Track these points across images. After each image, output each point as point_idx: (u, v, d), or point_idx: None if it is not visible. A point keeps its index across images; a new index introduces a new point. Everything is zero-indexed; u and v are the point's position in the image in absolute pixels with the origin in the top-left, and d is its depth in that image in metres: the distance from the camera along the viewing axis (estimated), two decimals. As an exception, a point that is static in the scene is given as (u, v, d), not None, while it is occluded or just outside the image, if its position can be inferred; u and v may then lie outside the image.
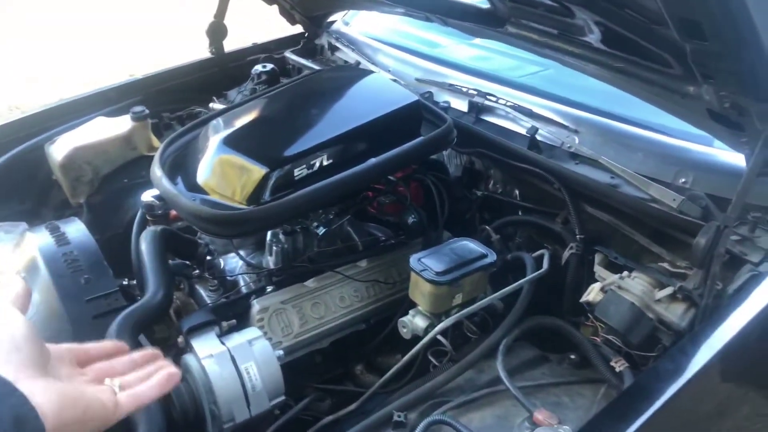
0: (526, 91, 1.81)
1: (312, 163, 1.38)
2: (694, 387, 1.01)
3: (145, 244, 1.36)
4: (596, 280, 1.37)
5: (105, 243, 1.63)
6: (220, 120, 1.54)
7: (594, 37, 1.28)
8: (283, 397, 1.23)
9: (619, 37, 1.19)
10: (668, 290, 1.25)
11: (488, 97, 1.77)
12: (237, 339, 1.23)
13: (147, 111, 1.92)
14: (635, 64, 1.27)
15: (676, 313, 1.23)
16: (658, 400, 0.95)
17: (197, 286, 1.52)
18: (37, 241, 1.35)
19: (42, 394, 0.55)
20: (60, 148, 1.86)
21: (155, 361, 0.75)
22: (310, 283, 1.47)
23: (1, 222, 1.54)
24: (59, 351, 0.66)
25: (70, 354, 0.67)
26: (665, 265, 1.33)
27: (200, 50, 2.42)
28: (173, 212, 1.55)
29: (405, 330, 1.35)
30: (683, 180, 1.38)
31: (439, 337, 1.29)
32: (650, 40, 1.13)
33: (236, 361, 1.18)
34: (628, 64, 1.30)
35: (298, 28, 2.52)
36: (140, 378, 0.71)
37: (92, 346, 0.71)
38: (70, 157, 1.84)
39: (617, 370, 1.20)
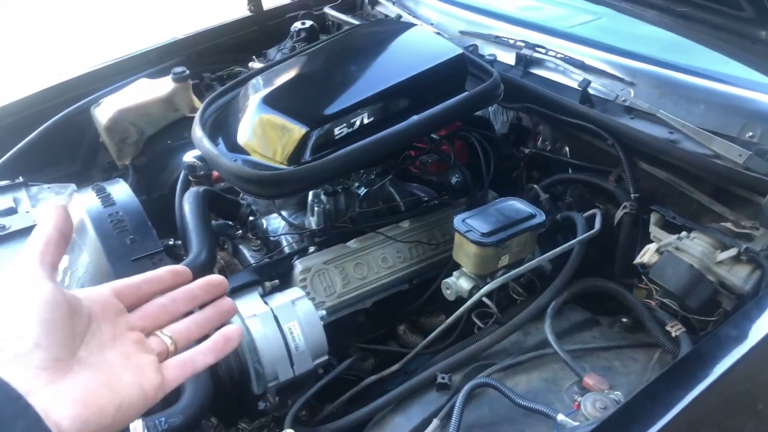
0: (578, 41, 1.71)
1: (352, 121, 1.34)
2: (759, 354, 0.95)
3: (187, 205, 1.37)
4: (651, 241, 1.31)
5: (151, 203, 1.66)
6: (259, 79, 1.51)
7: (656, -21, 1.18)
8: (326, 357, 1.23)
9: (685, -23, 1.09)
10: (732, 251, 1.17)
11: (537, 48, 1.68)
12: (280, 299, 1.23)
13: (188, 72, 1.92)
14: (700, 8, 1.17)
15: (739, 276, 1.16)
16: (720, 367, 0.90)
17: (241, 246, 1.53)
18: (85, 202, 1.37)
19: (62, 406, 0.45)
20: (105, 111, 1.88)
21: (218, 297, 0.62)
22: (353, 243, 1.45)
23: (51, 184, 1.57)
24: (103, 301, 0.54)
25: (115, 301, 0.55)
26: (728, 225, 1.25)
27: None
28: (215, 173, 1.55)
29: (449, 291, 1.32)
30: (750, 134, 1.28)
31: (485, 299, 1.26)
32: (720, -22, 1.03)
33: (279, 320, 1.18)
34: (692, 8, 1.19)
35: (338, -17, 2.45)
36: (197, 327, 0.60)
37: (145, 280, 0.59)
38: (115, 119, 1.86)
39: (673, 334, 1.15)
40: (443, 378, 1.14)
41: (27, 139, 1.85)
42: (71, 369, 0.48)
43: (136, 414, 0.51)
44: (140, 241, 1.28)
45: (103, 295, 0.55)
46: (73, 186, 1.53)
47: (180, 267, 0.62)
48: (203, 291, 0.61)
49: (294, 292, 1.26)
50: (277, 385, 1.18)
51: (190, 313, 0.61)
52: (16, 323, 0.46)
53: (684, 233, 1.25)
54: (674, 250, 1.23)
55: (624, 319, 1.27)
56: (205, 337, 0.60)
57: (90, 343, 0.51)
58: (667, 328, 1.16)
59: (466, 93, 1.44)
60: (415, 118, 1.37)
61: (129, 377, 0.51)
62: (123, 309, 0.56)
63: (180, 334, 0.58)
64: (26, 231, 1.37)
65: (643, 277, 1.27)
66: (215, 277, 0.62)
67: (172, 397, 1.07)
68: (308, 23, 2.22)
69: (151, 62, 2.16)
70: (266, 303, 1.22)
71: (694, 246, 1.21)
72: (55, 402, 0.45)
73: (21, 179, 1.55)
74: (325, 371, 1.27)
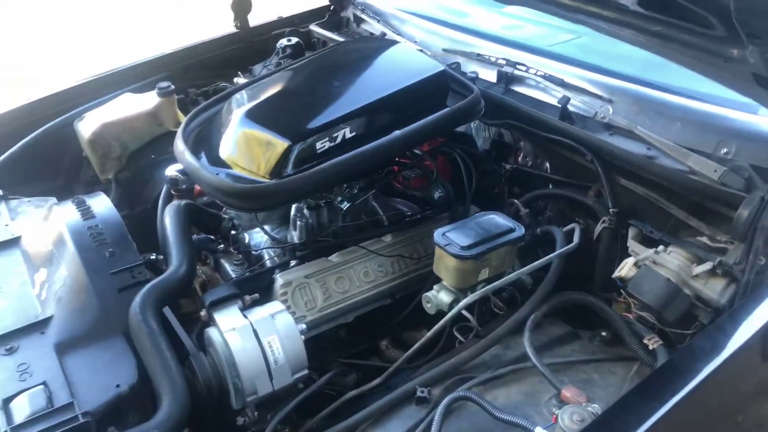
0: (558, 59, 1.74)
1: (334, 135, 1.35)
2: (733, 366, 0.96)
3: (168, 219, 1.36)
4: (629, 255, 1.32)
5: (134, 218, 1.65)
6: (243, 94, 1.53)
7: (630, -1, 1.21)
8: (306, 371, 1.22)
9: (658, -4, 1.12)
10: (707, 265, 1.19)
11: (518, 66, 1.71)
12: (259, 313, 1.23)
13: (173, 87, 1.92)
14: (674, 27, 1.20)
15: (715, 290, 1.17)
16: (694, 379, 0.91)
17: (222, 261, 1.52)
18: (64, 215, 1.37)
19: None
20: (88, 125, 1.88)
21: None
22: (335, 257, 1.45)
23: (32, 197, 1.56)
24: None
25: None
26: (704, 239, 1.27)
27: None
28: (198, 187, 1.55)
29: (429, 305, 1.33)
30: (725, 150, 1.30)
31: (464, 312, 1.26)
32: (691, -1, 1.06)
33: (258, 334, 1.17)
34: (666, 27, 1.23)
35: (324, 1, 2.48)
36: None
37: None
38: (98, 133, 1.86)
39: (651, 347, 1.16)
40: (422, 392, 1.13)
41: (8, 152, 1.83)
42: None
43: None
44: (120, 253, 1.28)
45: None
46: (53, 199, 1.52)
47: None
48: None
49: (274, 306, 1.25)
50: (256, 399, 1.17)
51: None
52: None
53: (661, 247, 1.27)
54: (651, 264, 1.24)
55: (603, 333, 1.28)
56: None
57: None
58: (645, 341, 1.17)
59: (448, 109, 1.46)
60: (397, 133, 1.38)
61: None
62: None
63: None
64: (4, 244, 1.36)
65: (621, 290, 1.29)
66: None
67: (150, 410, 1.06)
68: (294, 40, 2.24)
69: (137, 77, 2.17)
70: (245, 317, 1.21)
71: (671, 260, 1.23)
72: None
73: (0, 192, 1.54)
74: (306, 386, 1.26)
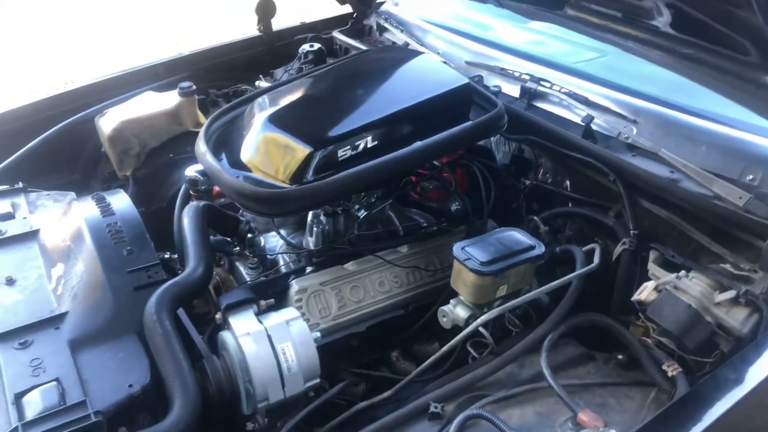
0: (582, 77, 1.72)
1: (356, 144, 1.34)
2: (757, 398, 0.94)
3: (186, 219, 1.36)
4: (649, 279, 1.30)
5: (149, 216, 1.65)
6: (265, 98, 1.52)
7: (663, 21, 1.21)
8: (318, 380, 1.21)
9: (692, 20, 1.11)
10: (730, 293, 1.17)
11: (542, 82, 1.70)
12: (275, 318, 1.22)
13: (194, 87, 1.93)
14: (707, 51, 1.19)
15: (737, 319, 1.15)
16: (717, 410, 0.89)
17: (237, 264, 1.52)
18: (84, 210, 1.37)
19: None
20: (109, 121, 1.89)
21: None
22: (350, 266, 1.44)
23: (51, 191, 1.56)
24: None
25: None
26: (727, 266, 1.25)
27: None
28: (216, 188, 1.55)
29: (445, 319, 1.31)
30: (751, 177, 1.29)
31: (481, 329, 1.25)
32: (727, 24, 1.05)
33: (273, 340, 1.16)
34: (698, 51, 1.21)
35: (347, 8, 2.48)
36: None
37: None
38: (118, 130, 1.86)
39: (670, 374, 1.14)
40: (436, 407, 1.12)
41: (30, 145, 1.85)
42: None
43: None
44: (137, 252, 1.27)
45: None
46: (72, 194, 1.52)
47: None
48: None
49: (289, 312, 1.24)
50: (267, 406, 1.16)
51: None
52: None
53: (683, 272, 1.25)
54: (673, 289, 1.22)
55: (620, 356, 1.26)
56: None
57: None
58: (664, 367, 1.15)
59: (471, 122, 1.45)
60: (418, 144, 1.37)
61: None
62: None
63: None
64: (22, 237, 1.36)
65: (640, 314, 1.27)
66: None
67: (160, 411, 1.05)
68: (316, 46, 2.24)
69: (158, 76, 2.18)
70: (260, 322, 1.20)
71: (693, 286, 1.21)
72: None
73: (21, 185, 1.55)
74: (316, 394, 1.25)
